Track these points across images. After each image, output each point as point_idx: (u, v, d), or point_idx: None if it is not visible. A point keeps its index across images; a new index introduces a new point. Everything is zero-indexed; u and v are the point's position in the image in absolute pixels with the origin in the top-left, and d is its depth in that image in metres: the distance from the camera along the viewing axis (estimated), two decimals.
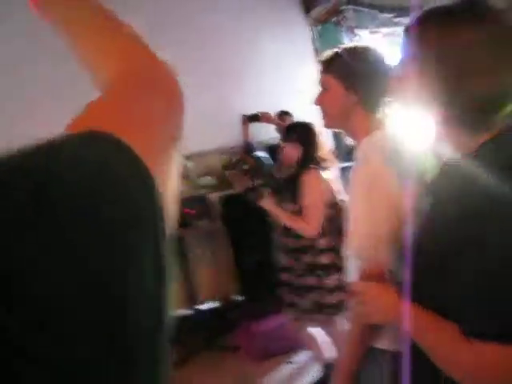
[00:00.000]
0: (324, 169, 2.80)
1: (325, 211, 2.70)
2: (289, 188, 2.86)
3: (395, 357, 1.30)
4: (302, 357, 3.45)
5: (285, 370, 3.52)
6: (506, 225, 0.84)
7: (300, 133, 2.88)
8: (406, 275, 1.06)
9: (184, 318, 4.43)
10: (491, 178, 0.89)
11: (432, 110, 1.00)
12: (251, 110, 4.61)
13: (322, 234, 2.71)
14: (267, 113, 4.36)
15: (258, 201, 2.93)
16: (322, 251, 2.71)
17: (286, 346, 3.57)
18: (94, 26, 0.58)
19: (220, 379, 3.57)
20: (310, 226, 2.68)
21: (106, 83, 0.50)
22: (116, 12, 0.58)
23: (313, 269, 2.73)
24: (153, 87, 0.51)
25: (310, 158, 2.81)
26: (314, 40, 5.06)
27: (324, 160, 2.83)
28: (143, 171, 0.35)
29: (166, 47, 3.56)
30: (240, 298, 4.56)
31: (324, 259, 2.71)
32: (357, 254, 1.30)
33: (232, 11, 4.76)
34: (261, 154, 4.18)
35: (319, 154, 2.82)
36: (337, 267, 2.60)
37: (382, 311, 1.14)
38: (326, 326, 2.84)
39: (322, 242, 2.72)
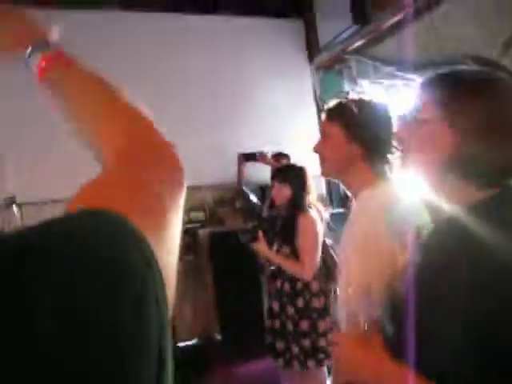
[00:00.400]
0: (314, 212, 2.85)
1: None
2: (283, 229, 2.88)
3: None
4: None
5: None
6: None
7: (291, 175, 2.93)
8: (390, 329, 1.03)
9: None
10: (489, 231, 0.88)
11: (437, 163, 1.00)
12: (248, 150, 4.63)
13: (314, 277, 2.73)
14: (264, 153, 4.37)
15: (251, 243, 2.93)
16: (314, 295, 2.71)
17: None
18: (96, 102, 0.62)
19: None
20: (306, 268, 2.68)
21: (107, 160, 0.52)
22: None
23: (305, 313, 2.71)
24: (154, 164, 0.54)
25: (302, 200, 2.84)
26: (314, 86, 5.13)
27: (310, 205, 2.88)
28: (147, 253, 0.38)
29: (168, 85, 3.63)
30: (220, 338, 4.45)
31: (316, 303, 2.70)
32: (347, 305, 1.26)
33: (235, 53, 4.84)
34: (251, 195, 4.21)
35: (308, 198, 2.88)
36: (327, 310, 2.67)
37: (352, 367, 1.08)
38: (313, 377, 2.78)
39: (315, 285, 2.72)
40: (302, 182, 2.89)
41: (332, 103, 1.55)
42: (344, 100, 1.52)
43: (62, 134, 3.82)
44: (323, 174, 1.62)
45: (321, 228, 2.79)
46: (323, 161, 1.57)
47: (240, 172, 4.60)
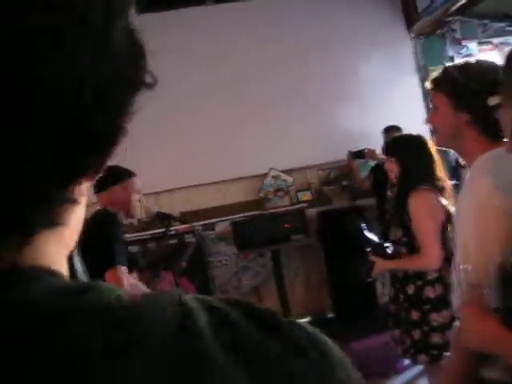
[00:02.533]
0: (439, 189, 2.41)
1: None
2: (395, 211, 2.56)
3: None
4: (398, 382, 3.32)
5: None
6: None
7: (397, 147, 2.62)
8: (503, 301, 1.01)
9: None
10: None
11: None
12: (353, 125, 4.58)
13: None
14: (372, 149, 4.26)
15: (371, 273, 2.60)
16: (427, 282, 2.38)
17: (384, 369, 3.45)
18: None
19: None
20: (429, 259, 2.33)
21: None
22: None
23: (417, 302, 2.39)
24: None
25: (414, 176, 2.46)
26: (416, 55, 4.92)
27: (439, 179, 2.44)
28: None
29: (275, 73, 3.65)
30: (332, 315, 4.50)
31: (429, 292, 2.37)
32: (465, 279, 1.23)
33: (330, 28, 4.78)
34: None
35: (434, 171, 2.45)
36: (446, 301, 2.20)
37: (481, 338, 1.09)
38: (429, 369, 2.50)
39: (431, 272, 2.37)
40: (413, 154, 2.50)
41: (436, 72, 1.51)
42: (448, 67, 1.47)
43: (177, 129, 3.98)
44: (436, 144, 1.61)
45: (441, 206, 2.37)
46: (434, 131, 1.55)
47: (353, 169, 4.55)
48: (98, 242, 2.26)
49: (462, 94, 1.40)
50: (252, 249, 4.33)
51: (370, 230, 2.66)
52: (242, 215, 4.52)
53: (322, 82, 4.70)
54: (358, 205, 4.47)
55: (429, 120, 1.52)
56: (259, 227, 4.29)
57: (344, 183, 4.69)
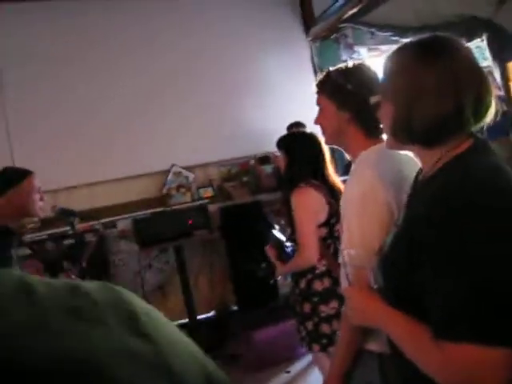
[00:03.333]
0: (328, 185, 2.48)
1: (321, 231, 2.43)
2: (284, 208, 2.64)
3: (383, 358, 1.37)
4: (299, 366, 3.50)
5: (283, 379, 3.57)
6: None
7: (285, 142, 2.64)
8: (381, 281, 1.15)
9: (182, 328, 4.47)
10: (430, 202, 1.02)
11: (396, 130, 1.14)
12: (254, 123, 4.71)
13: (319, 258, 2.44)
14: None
15: (272, 277, 2.67)
16: (316, 276, 2.44)
17: (285, 356, 3.61)
18: None
19: None
20: (306, 256, 2.42)
21: None
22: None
23: (308, 295, 2.48)
24: None
25: (296, 171, 2.51)
26: (313, 57, 5.18)
27: (326, 175, 2.52)
28: None
29: (173, 69, 3.65)
30: (236, 308, 4.61)
31: (317, 285, 2.44)
32: (349, 262, 1.35)
33: (229, 29, 4.89)
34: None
35: (321, 168, 2.52)
36: (335, 293, 2.32)
37: (364, 314, 1.21)
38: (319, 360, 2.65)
39: (318, 266, 2.44)
40: (299, 150, 2.53)
41: (319, 76, 1.65)
42: (330, 71, 1.62)
43: (71, 126, 3.88)
44: (326, 142, 1.75)
45: (323, 203, 2.42)
46: (323, 131, 1.68)
47: (260, 175, 4.68)
48: None
49: (343, 94, 1.55)
50: (154, 245, 4.30)
51: (281, 229, 2.73)
52: (144, 212, 4.48)
53: (224, 79, 4.80)
54: (258, 200, 4.62)
55: (316, 121, 1.66)
56: (161, 224, 4.28)
57: (244, 179, 4.81)
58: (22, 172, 2.46)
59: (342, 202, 1.54)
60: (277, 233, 2.60)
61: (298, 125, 4.13)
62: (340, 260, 1.47)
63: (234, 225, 4.44)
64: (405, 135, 1.11)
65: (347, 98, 1.55)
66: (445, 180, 1.05)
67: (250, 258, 3.81)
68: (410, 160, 1.37)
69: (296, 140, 2.63)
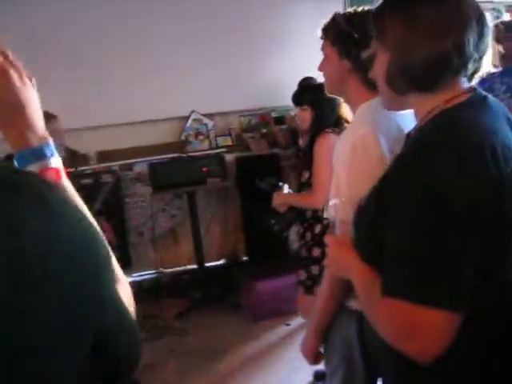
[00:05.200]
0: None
1: None
2: (305, 155, 2.68)
3: (362, 316, 1.35)
4: (299, 320, 3.53)
5: (282, 331, 3.62)
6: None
7: (309, 95, 2.66)
8: (354, 236, 1.11)
9: (190, 274, 4.57)
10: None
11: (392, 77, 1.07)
12: (278, 75, 4.57)
13: None
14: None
15: (269, 190, 2.77)
16: None
17: (287, 309, 3.65)
18: None
19: (216, 332, 3.69)
20: (316, 198, 2.46)
21: None
22: None
23: (320, 240, 2.46)
24: None
25: (323, 121, 2.58)
26: (345, 7, 4.95)
27: (345, 121, 2.52)
28: None
29: (199, 15, 3.49)
30: (246, 258, 4.66)
31: None
32: (334, 214, 1.31)
33: None
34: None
35: (339, 113, 2.55)
36: None
37: (340, 266, 1.19)
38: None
39: None
40: (321, 100, 2.54)
41: (325, 20, 1.54)
42: (335, 15, 1.50)
43: (94, 67, 3.84)
44: (327, 91, 1.65)
45: None
46: (325, 79, 1.59)
47: (277, 134, 4.60)
48: None
49: (347, 42, 1.44)
50: (168, 190, 4.34)
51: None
52: (161, 157, 4.49)
53: (250, 27, 4.64)
54: (275, 153, 4.56)
55: (319, 67, 1.57)
56: (176, 169, 4.29)
57: (263, 131, 4.75)
58: (48, 115, 2.69)
59: (334, 153, 1.49)
60: (261, 184, 2.69)
61: (310, 78, 4.02)
62: (327, 210, 1.44)
63: (249, 176, 4.41)
64: (401, 81, 1.05)
65: (351, 45, 1.45)
66: (424, 132, 1.02)
67: (265, 211, 3.81)
68: (411, 117, 1.29)
69: (318, 91, 2.51)
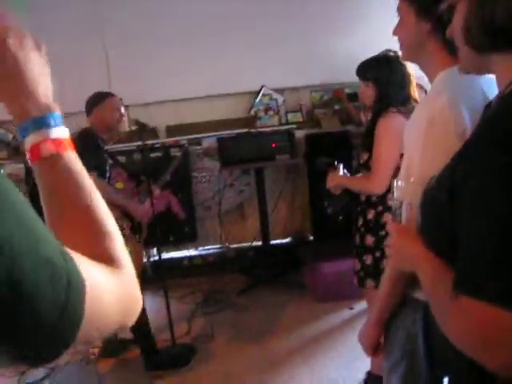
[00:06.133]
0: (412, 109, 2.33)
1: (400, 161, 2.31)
2: (366, 134, 2.47)
3: (428, 309, 1.22)
4: (364, 305, 3.39)
5: (345, 314, 3.51)
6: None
7: (374, 69, 2.43)
8: (421, 221, 0.98)
9: (255, 250, 4.53)
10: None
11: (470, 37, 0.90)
12: (350, 49, 4.36)
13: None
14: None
15: (326, 169, 2.56)
16: (388, 209, 2.28)
17: (351, 292, 3.52)
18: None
19: (277, 311, 3.64)
20: (373, 182, 2.29)
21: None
22: None
23: (374, 228, 2.36)
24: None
25: (388, 99, 2.36)
26: None
27: (413, 100, 2.33)
28: None
29: None
30: (312, 238, 4.55)
31: (388, 218, 2.29)
32: (401, 196, 1.19)
33: None
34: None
35: (408, 92, 2.35)
36: None
37: (404, 257, 1.07)
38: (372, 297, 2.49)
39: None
40: (386, 75, 2.36)
41: None
42: None
43: (164, 42, 3.88)
44: (402, 58, 1.50)
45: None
46: (400, 44, 1.44)
47: (351, 111, 4.39)
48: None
49: (423, 0, 1.28)
50: (236, 165, 4.30)
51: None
52: (230, 132, 4.45)
53: (323, 1, 4.44)
54: (347, 130, 4.38)
55: (395, 31, 1.41)
56: (245, 145, 4.24)
57: (336, 107, 4.57)
58: (104, 94, 3.12)
59: (406, 128, 1.35)
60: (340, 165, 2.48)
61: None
62: (392, 190, 1.31)
63: (319, 153, 4.27)
64: (481, 36, 0.88)
65: (430, 5, 1.29)
66: (503, 104, 0.85)
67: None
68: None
69: (382, 66, 2.41)
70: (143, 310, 3.19)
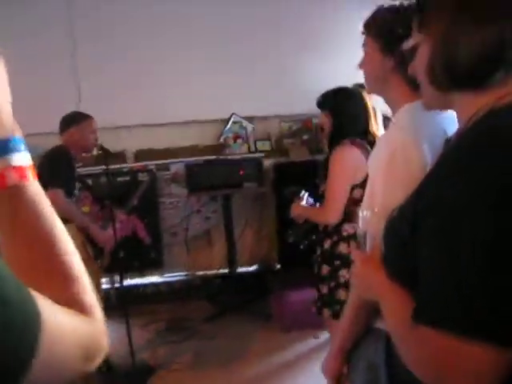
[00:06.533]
0: (370, 144, 2.27)
1: (355, 192, 2.28)
2: (324, 165, 2.47)
3: (390, 339, 1.23)
4: (328, 334, 3.40)
5: (310, 343, 3.51)
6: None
7: (330, 99, 2.44)
8: (383, 251, 1.00)
9: (221, 278, 4.50)
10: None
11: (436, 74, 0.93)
12: (322, 80, 4.45)
13: (347, 219, 2.28)
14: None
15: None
16: (343, 239, 2.31)
17: (316, 321, 3.52)
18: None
19: (243, 339, 3.60)
20: (326, 212, 2.31)
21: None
22: None
23: (330, 257, 2.35)
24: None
25: (342, 130, 2.36)
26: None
27: (370, 133, 2.34)
28: None
29: (242, 17, 3.44)
30: (279, 266, 4.55)
31: (343, 248, 2.30)
32: (365, 226, 1.21)
33: None
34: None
35: (365, 124, 2.35)
36: None
37: (367, 286, 1.08)
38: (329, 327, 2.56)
39: (346, 228, 2.30)
40: (342, 107, 2.37)
41: (367, 14, 1.42)
42: (378, 10, 1.37)
43: (136, 68, 3.85)
44: (367, 91, 1.56)
45: (362, 162, 2.21)
46: (365, 78, 1.48)
47: (320, 140, 4.44)
48: (46, 168, 2.80)
49: (389, 38, 1.33)
50: (204, 192, 4.30)
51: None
52: (198, 158, 4.45)
53: (293, 31, 4.53)
54: (315, 159, 4.44)
55: (360, 65, 1.45)
56: (213, 172, 4.26)
57: (304, 137, 4.64)
58: (83, 115, 3.15)
59: (369, 160, 1.38)
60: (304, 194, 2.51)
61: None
62: (358, 221, 1.33)
63: (287, 182, 4.31)
64: (444, 76, 0.91)
65: (394, 43, 1.33)
66: (465, 137, 0.88)
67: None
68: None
69: (339, 97, 2.44)
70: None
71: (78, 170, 3.59)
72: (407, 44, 1.07)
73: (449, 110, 1.06)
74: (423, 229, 0.82)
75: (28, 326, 0.44)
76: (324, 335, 3.47)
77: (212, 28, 4.43)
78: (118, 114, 4.20)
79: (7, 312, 0.42)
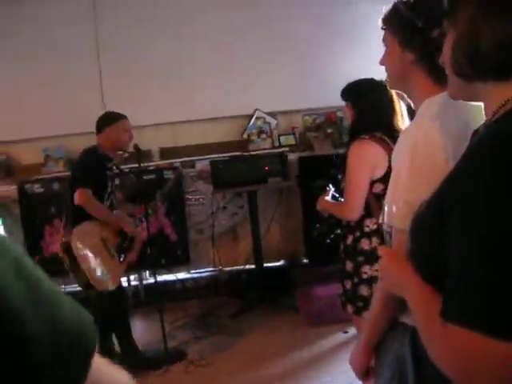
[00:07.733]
0: (392, 137, 2.19)
1: (376, 187, 2.24)
2: (343, 159, 2.42)
3: (416, 333, 1.22)
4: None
5: (339, 338, 3.49)
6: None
7: (350, 91, 2.41)
8: (410, 246, 0.98)
9: (248, 273, 4.51)
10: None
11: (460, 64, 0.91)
12: (345, 73, 4.40)
13: (368, 214, 2.26)
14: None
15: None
16: (364, 235, 2.28)
17: (344, 315, 3.50)
18: None
19: (269, 335, 3.61)
20: (345, 208, 2.28)
21: None
22: None
23: (352, 253, 2.32)
24: None
25: (361, 123, 2.32)
26: None
27: (394, 129, 2.24)
28: None
29: (265, 14, 3.45)
30: (305, 261, 4.54)
31: (365, 244, 2.28)
32: (389, 221, 1.19)
33: None
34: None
35: (389, 119, 2.26)
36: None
37: (393, 281, 1.07)
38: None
39: (368, 224, 2.27)
40: (364, 99, 2.32)
41: (386, 9, 1.39)
42: (396, 3, 1.33)
43: (160, 66, 3.88)
44: (389, 86, 1.52)
45: (382, 156, 2.20)
46: (387, 73, 1.46)
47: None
48: (77, 168, 3.09)
49: (408, 31, 1.30)
50: (229, 188, 4.31)
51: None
52: (223, 155, 4.47)
53: (316, 25, 4.51)
54: (339, 153, 4.40)
55: (381, 61, 1.43)
56: (238, 168, 4.26)
57: (329, 130, 4.60)
58: (118, 115, 3.23)
59: (393, 153, 1.36)
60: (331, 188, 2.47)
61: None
62: (381, 216, 1.31)
63: (312, 176, 4.29)
64: (469, 66, 0.89)
65: (414, 35, 1.31)
66: (500, 125, 0.85)
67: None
68: (481, 112, 1.14)
69: (362, 88, 2.39)
70: (129, 333, 3.15)
71: None
72: (436, 31, 1.05)
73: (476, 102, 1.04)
74: (453, 219, 0.81)
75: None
76: (352, 330, 3.45)
77: (235, 26, 4.43)
78: (142, 113, 4.25)
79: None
